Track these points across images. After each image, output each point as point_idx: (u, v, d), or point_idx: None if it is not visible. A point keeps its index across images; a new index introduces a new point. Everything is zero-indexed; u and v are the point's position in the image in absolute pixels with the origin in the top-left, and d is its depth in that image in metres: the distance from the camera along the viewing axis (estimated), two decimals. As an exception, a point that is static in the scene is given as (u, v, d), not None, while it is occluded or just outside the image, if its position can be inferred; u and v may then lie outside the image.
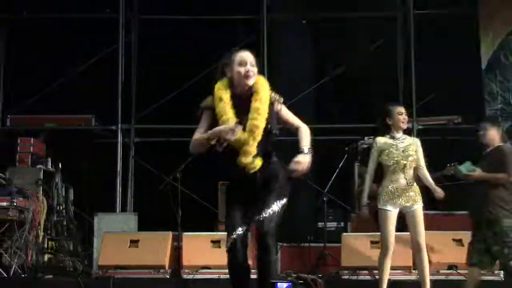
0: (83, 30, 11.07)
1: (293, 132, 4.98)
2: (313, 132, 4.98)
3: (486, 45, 10.59)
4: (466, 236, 8.12)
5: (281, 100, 4.93)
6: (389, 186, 6.38)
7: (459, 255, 7.94)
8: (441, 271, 7.85)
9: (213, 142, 4.80)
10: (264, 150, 4.81)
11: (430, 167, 8.54)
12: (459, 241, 8.09)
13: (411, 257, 7.84)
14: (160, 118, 11.07)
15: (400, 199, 6.35)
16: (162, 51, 11.07)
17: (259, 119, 4.74)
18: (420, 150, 6.56)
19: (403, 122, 6.51)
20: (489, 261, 6.66)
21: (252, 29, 11.30)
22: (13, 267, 8.27)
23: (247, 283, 4.82)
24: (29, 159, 9.67)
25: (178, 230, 8.18)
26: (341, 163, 8.47)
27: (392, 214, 6.36)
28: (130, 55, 11.35)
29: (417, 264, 6.47)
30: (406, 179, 6.39)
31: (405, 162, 6.40)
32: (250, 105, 4.78)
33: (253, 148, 4.73)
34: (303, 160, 4.73)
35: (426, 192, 6.66)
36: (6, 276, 8.23)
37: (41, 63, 10.71)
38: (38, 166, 9.61)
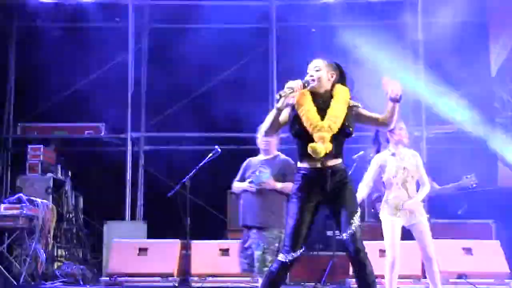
0: (93, 39, 11.11)
1: (377, 124, 5.15)
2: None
3: (496, 53, 10.57)
4: (475, 244, 8.14)
5: (360, 105, 5.12)
6: (392, 200, 6.37)
7: (469, 264, 7.94)
8: (450, 280, 7.82)
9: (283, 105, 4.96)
10: (337, 150, 4.96)
11: (440, 175, 8.58)
12: (468, 250, 8.07)
13: (420, 266, 7.83)
14: (169, 127, 11.10)
15: (404, 214, 6.33)
16: (172, 60, 11.10)
17: (338, 112, 4.96)
18: (421, 165, 6.48)
19: (404, 137, 6.44)
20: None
21: (262, 38, 11.33)
22: (23, 274, 8.30)
23: None
24: (39, 167, 9.71)
25: (187, 238, 8.19)
26: (350, 172, 8.42)
27: (396, 224, 6.34)
28: (140, 64, 11.40)
29: (428, 275, 6.42)
30: (408, 193, 6.37)
31: (405, 178, 6.38)
32: (329, 106, 5.00)
33: (328, 137, 4.89)
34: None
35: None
36: (16, 284, 8.26)
37: (52, 72, 10.76)
38: (48, 174, 9.66)
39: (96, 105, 10.79)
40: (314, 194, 4.98)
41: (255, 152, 10.63)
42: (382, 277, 6.69)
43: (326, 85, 5.09)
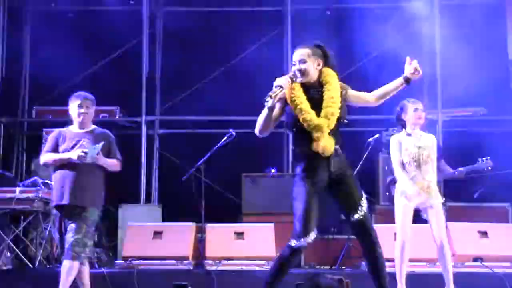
0: (108, 22, 11.08)
1: (365, 103, 5.23)
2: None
3: (513, 35, 10.48)
4: (491, 228, 8.10)
5: (348, 87, 5.18)
6: (407, 182, 6.36)
7: (485, 248, 7.90)
8: (466, 264, 7.78)
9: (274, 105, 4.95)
10: (336, 138, 5.01)
11: (456, 159, 8.54)
12: (484, 233, 8.02)
13: (435, 249, 7.79)
14: (184, 110, 11.08)
15: (417, 195, 6.33)
16: (186, 43, 11.09)
17: (334, 106, 4.96)
18: (435, 149, 6.51)
19: (418, 118, 6.45)
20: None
21: (276, 21, 11.27)
22: (38, 258, 8.34)
23: (281, 276, 5.02)
24: (54, 150, 9.70)
25: (202, 222, 8.21)
26: (365, 155, 8.40)
27: (408, 207, 6.35)
28: (154, 47, 11.38)
29: (439, 258, 6.46)
30: (422, 175, 6.36)
31: (421, 158, 6.36)
32: (322, 95, 5.00)
33: (326, 134, 4.93)
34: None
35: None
36: (31, 266, 8.30)
37: (67, 55, 10.75)
38: (63, 158, 9.64)
39: (110, 89, 10.79)
40: (320, 178, 4.99)
41: (271, 135, 10.61)
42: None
43: (314, 75, 5.07)
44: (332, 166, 4.97)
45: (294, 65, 5.08)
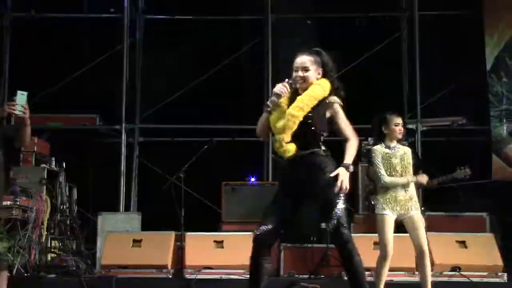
0: (88, 29, 11.08)
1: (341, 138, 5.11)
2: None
3: (491, 46, 10.57)
4: (470, 238, 8.15)
5: (337, 101, 5.08)
6: (387, 193, 6.39)
7: (463, 257, 7.95)
8: (444, 273, 7.83)
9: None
10: (303, 142, 4.96)
11: (435, 169, 8.60)
12: (462, 243, 8.07)
13: (414, 258, 7.83)
14: (164, 118, 11.07)
15: (398, 206, 6.36)
16: (166, 51, 11.08)
17: (297, 109, 4.91)
18: (411, 160, 6.54)
19: (399, 133, 6.50)
20: None
21: (257, 29, 11.30)
22: (16, 266, 8.26)
23: (258, 276, 5.11)
24: (33, 158, 9.65)
25: (181, 230, 8.19)
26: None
27: (390, 218, 6.36)
28: (134, 55, 11.36)
29: (419, 268, 6.46)
30: (404, 186, 6.41)
31: (402, 169, 6.41)
32: None
33: (287, 137, 4.91)
34: (343, 174, 4.92)
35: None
36: (9, 275, 8.22)
37: (46, 62, 10.72)
38: (42, 166, 9.60)
39: (91, 96, 10.77)
40: (292, 183, 5.01)
41: (251, 143, 10.63)
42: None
43: (311, 83, 5.06)
44: (305, 175, 4.97)
45: (296, 71, 5.06)
